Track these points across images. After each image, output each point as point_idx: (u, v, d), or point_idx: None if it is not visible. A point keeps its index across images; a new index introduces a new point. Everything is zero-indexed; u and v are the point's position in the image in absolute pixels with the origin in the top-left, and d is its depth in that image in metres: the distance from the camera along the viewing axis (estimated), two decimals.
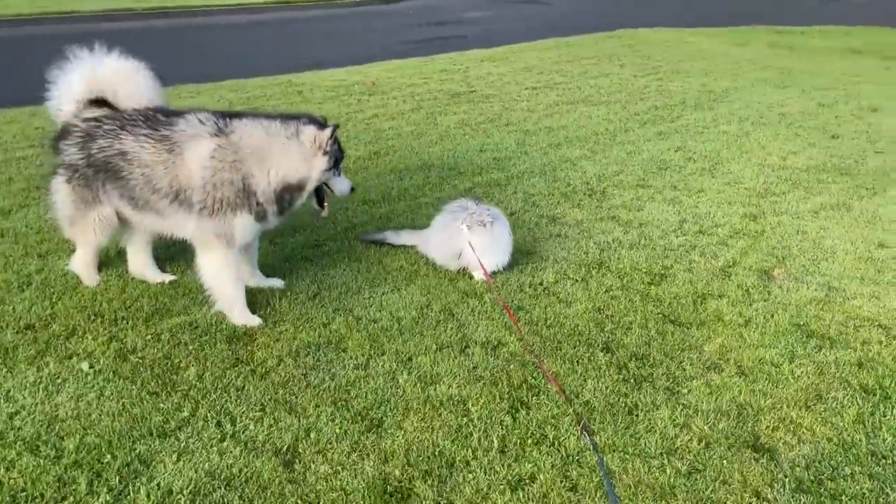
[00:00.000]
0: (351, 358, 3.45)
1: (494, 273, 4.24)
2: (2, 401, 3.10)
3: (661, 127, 7.69)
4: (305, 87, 9.31)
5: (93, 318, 3.77)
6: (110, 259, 4.38)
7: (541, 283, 4.22)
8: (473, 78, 10.09)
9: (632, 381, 3.30)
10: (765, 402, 3.16)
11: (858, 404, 3.16)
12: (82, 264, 4.15)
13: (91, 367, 3.36)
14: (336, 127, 3.74)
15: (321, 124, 3.76)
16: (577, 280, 4.26)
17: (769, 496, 2.63)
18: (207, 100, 8.35)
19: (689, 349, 3.57)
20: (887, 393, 3.26)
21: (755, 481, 2.69)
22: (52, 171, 3.95)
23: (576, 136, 7.28)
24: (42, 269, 4.25)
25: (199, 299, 3.94)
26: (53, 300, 3.92)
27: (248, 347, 3.55)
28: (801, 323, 3.81)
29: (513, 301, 4.01)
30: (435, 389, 3.21)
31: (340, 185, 3.98)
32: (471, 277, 4.27)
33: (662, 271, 4.39)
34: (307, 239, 4.78)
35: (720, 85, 9.94)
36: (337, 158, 3.84)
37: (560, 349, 3.55)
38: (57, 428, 2.94)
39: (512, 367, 3.39)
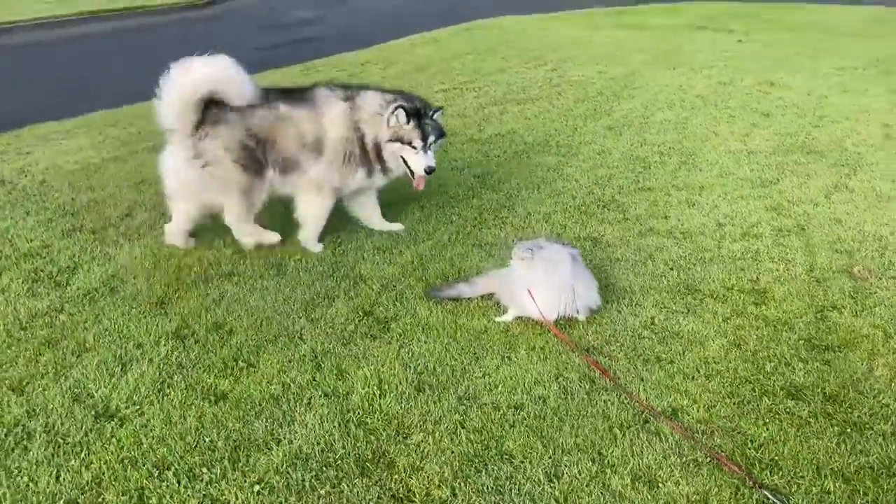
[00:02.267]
0: (531, 467, 2.79)
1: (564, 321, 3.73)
2: None
3: (606, 121, 7.48)
4: None
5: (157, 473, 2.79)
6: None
7: (652, 322, 3.76)
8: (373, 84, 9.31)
9: (850, 432, 2.95)
10: None
11: None
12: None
13: None
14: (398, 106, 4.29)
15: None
16: (684, 312, 3.85)
17: None
18: (86, 141, 6.99)
19: (864, 378, 3.28)
20: None
21: None
22: None
23: (533, 140, 6.86)
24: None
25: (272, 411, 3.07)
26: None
27: (392, 475, 2.77)
28: None
29: (642, 351, 3.52)
30: (661, 490, 2.66)
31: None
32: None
33: (754, 286, 4.09)
34: (355, 304, 3.97)
35: (616, 71, 9.97)
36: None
37: (742, 405, 3.12)
38: None
39: (718, 441, 2.91)
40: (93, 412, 3.15)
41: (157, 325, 3.84)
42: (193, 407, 3.19)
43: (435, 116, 4.43)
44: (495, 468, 2.80)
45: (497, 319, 3.81)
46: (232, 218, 4.51)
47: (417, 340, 3.65)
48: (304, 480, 2.75)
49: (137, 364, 3.50)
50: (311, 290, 4.18)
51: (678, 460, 2.80)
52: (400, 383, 3.32)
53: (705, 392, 3.21)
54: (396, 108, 4.27)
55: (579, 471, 2.76)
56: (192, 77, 4.11)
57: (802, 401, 3.13)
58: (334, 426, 3.05)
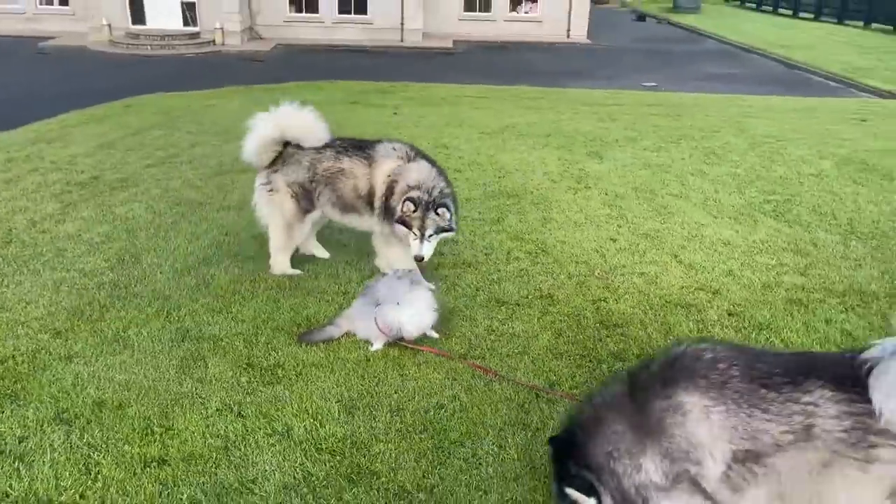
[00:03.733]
0: (484, 444, 3.43)
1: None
2: None
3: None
4: None
5: None
6: None
7: (491, 329, 4.61)
8: (64, 160, 8.71)
9: None
10: None
11: None
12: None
13: None
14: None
15: None
16: (508, 318, 4.77)
17: None
18: None
19: (649, 340, 4.56)
20: None
21: None
22: None
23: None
24: None
25: None
26: None
27: (380, 478, 3.15)
28: None
29: (499, 349, 4.34)
30: None
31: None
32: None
33: (542, 294, 5.20)
34: (231, 361, 4.08)
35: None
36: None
37: (591, 371, 4.14)
38: None
39: None
40: None
41: (27, 416, 3.55)
42: (141, 476, 3.13)
43: (440, 211, 4.85)
44: (458, 452, 3.36)
45: (373, 349, 4.30)
46: (273, 247, 5.37)
47: (316, 378, 3.98)
48: (306, 502, 2.97)
49: (39, 454, 3.26)
50: (175, 356, 4.17)
51: None
52: (330, 411, 3.65)
53: (563, 368, 4.16)
54: (406, 200, 4.82)
55: (520, 438, 3.47)
56: (274, 122, 5.13)
57: (627, 361, 4.26)
58: (298, 456, 3.29)
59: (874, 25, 32.30)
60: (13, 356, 4.09)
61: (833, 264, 5.86)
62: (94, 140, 10.23)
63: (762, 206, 7.51)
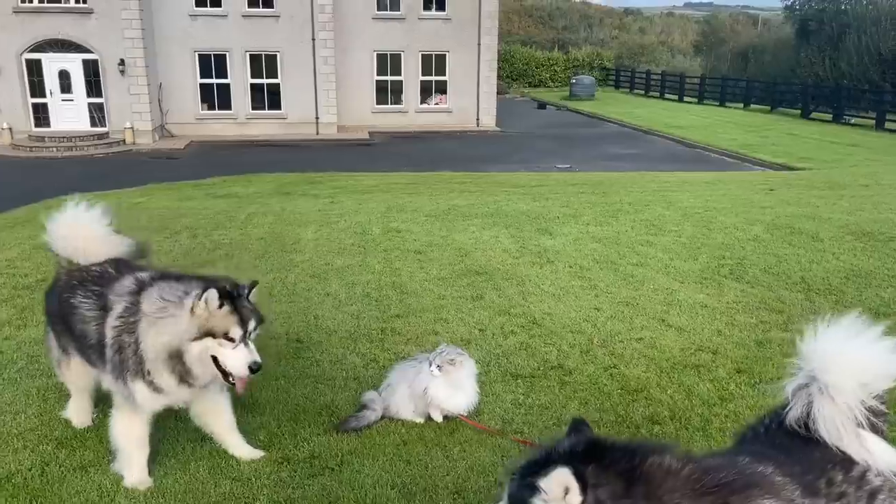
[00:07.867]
0: None
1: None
2: None
3: (300, 272, 8.06)
4: None
5: None
6: None
7: (518, 402, 4.56)
8: (1, 264, 8.18)
9: (682, 436, 4.20)
10: None
11: None
12: None
13: None
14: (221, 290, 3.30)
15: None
16: (530, 390, 4.75)
17: None
18: None
19: (669, 403, 4.62)
20: None
21: None
22: None
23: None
24: None
25: None
26: None
27: None
28: None
29: (531, 421, 4.29)
30: None
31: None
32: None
33: (553, 365, 5.22)
34: (266, 458, 3.84)
35: (257, 232, 10.57)
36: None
37: (624, 431, 4.14)
38: None
39: None
40: None
41: None
42: None
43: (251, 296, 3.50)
44: None
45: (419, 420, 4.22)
46: None
47: (360, 466, 3.82)
48: None
49: None
50: (201, 457, 3.96)
51: None
52: (389, 498, 3.54)
53: (604, 434, 4.13)
54: (206, 291, 3.28)
55: None
56: None
57: (663, 424, 4.30)
58: None
59: (752, 106, 35.30)
60: (19, 471, 3.73)
61: (809, 319, 6.16)
62: (27, 242, 9.69)
63: (719, 270, 7.88)
